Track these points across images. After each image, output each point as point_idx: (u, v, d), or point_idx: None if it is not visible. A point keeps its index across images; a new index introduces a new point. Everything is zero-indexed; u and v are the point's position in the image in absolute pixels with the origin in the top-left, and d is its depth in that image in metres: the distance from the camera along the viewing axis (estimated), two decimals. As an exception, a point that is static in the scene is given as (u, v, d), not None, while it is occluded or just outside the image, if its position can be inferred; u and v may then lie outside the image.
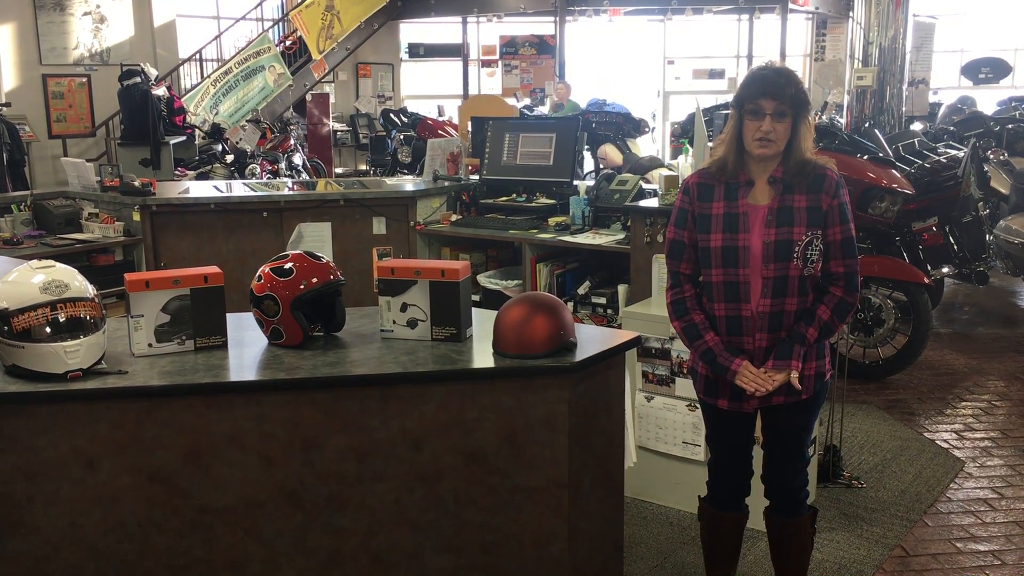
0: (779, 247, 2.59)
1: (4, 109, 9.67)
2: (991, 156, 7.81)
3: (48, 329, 2.40)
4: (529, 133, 5.80)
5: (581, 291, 5.19)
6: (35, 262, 2.54)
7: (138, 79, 9.77)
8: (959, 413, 5.01)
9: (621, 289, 4.93)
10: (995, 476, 4.21)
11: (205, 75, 12.46)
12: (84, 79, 11.69)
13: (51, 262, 2.54)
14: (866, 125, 7.98)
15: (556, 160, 5.61)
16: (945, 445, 4.56)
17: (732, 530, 2.95)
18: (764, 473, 2.87)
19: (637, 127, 12.39)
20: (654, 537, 3.63)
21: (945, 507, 3.90)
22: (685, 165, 5.05)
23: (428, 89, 16.35)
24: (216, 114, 11.65)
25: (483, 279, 5.45)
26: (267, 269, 2.76)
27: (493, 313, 2.77)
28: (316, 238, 5.52)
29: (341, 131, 14.67)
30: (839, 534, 3.64)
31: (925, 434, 4.70)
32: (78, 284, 2.49)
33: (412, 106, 15.43)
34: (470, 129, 6.50)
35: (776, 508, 2.89)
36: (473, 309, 2.90)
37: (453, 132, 11.11)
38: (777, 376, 2.62)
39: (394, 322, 2.81)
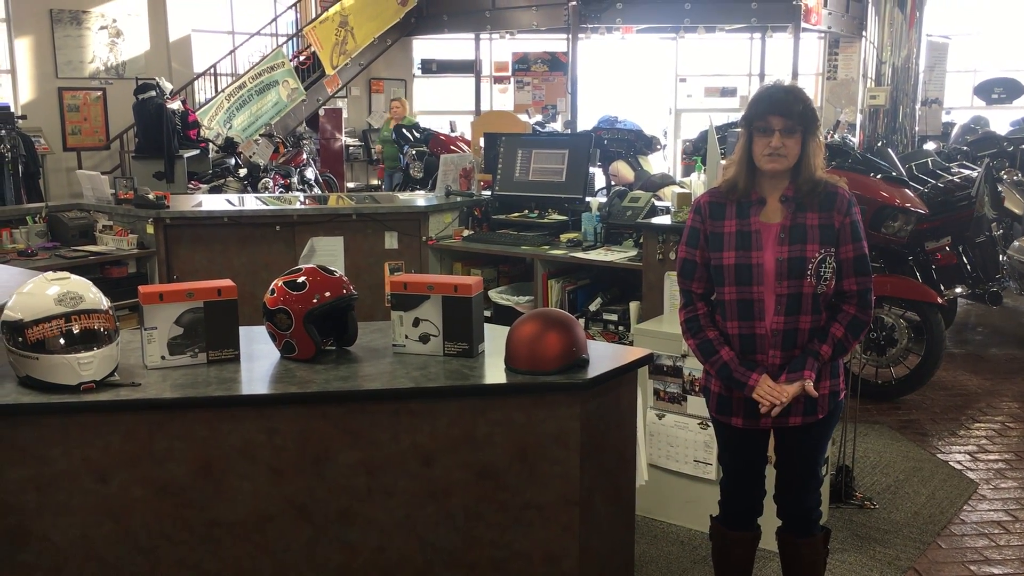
0: (792, 264, 2.58)
1: (20, 121, 9.73)
2: (1005, 176, 7.78)
3: (62, 341, 2.41)
4: (541, 149, 5.81)
5: (592, 308, 5.18)
6: (50, 274, 2.55)
7: (153, 93, 9.84)
8: (973, 434, 4.98)
9: (633, 306, 4.92)
10: (1009, 498, 4.17)
11: (219, 89, 12.53)
12: (99, 92, 11.78)
13: (66, 274, 2.55)
14: (879, 144, 7.97)
15: (568, 176, 5.62)
16: (959, 467, 4.52)
17: (744, 550, 2.93)
18: (776, 493, 2.86)
19: (649, 144, 12.40)
20: (665, 556, 3.61)
21: (959, 529, 3.87)
22: (697, 183, 5.05)
23: (440, 105, 16.39)
24: (230, 128, 11.71)
25: (495, 295, 5.45)
26: (280, 283, 2.76)
27: (505, 329, 2.77)
28: (328, 252, 5.54)
29: (353, 146, 14.71)
30: (852, 555, 3.61)
31: (938, 455, 4.66)
32: (92, 296, 2.50)
33: (424, 122, 15.48)
34: (483, 145, 6.52)
35: (788, 528, 2.87)
36: (485, 324, 2.90)
37: (465, 148, 11.14)
38: (790, 388, 2.60)
39: (406, 337, 2.81)
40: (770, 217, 2.64)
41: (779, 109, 2.55)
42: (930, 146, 9.44)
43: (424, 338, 2.79)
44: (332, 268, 2.85)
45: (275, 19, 14.08)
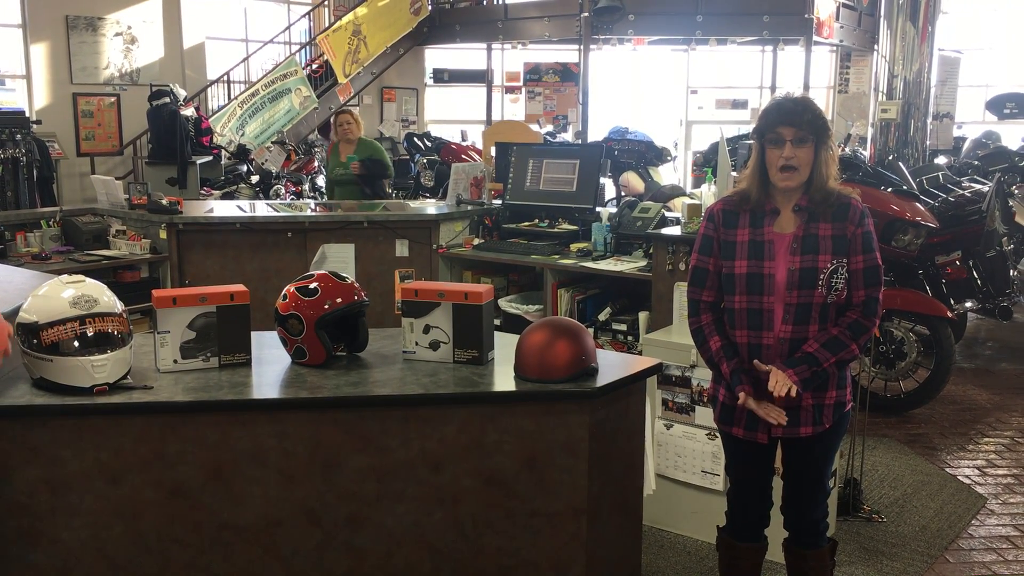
0: (804, 275, 2.60)
1: (34, 126, 9.81)
2: (1016, 191, 7.76)
3: (76, 343, 2.43)
4: (552, 159, 5.83)
5: (602, 317, 5.19)
6: (65, 277, 2.57)
7: (167, 99, 9.92)
8: (981, 449, 4.96)
9: (642, 316, 4.93)
10: (1018, 513, 4.16)
11: (232, 96, 12.60)
12: (113, 98, 11.85)
13: (81, 277, 2.57)
14: (890, 158, 7.95)
15: (579, 186, 5.64)
16: (967, 481, 4.51)
17: (751, 561, 2.93)
18: (784, 504, 2.86)
19: (659, 155, 12.42)
20: (671, 566, 3.60)
21: (967, 544, 3.85)
22: (708, 194, 5.06)
23: (452, 114, 16.45)
24: (242, 135, 11.77)
25: (504, 303, 5.47)
26: (292, 288, 2.78)
27: (515, 337, 2.78)
28: (339, 259, 5.56)
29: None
30: (859, 568, 3.61)
31: (947, 469, 4.65)
32: (107, 299, 2.52)
33: (436, 131, 15.53)
34: (494, 154, 6.55)
35: (795, 540, 2.87)
36: (495, 332, 2.91)
37: (476, 157, 11.17)
38: (777, 402, 2.60)
39: (416, 343, 2.82)
40: (783, 227, 2.65)
41: (789, 119, 2.57)
42: (941, 160, 9.42)
43: (434, 345, 2.81)
44: (344, 274, 2.87)
45: (288, 27, 14.15)
